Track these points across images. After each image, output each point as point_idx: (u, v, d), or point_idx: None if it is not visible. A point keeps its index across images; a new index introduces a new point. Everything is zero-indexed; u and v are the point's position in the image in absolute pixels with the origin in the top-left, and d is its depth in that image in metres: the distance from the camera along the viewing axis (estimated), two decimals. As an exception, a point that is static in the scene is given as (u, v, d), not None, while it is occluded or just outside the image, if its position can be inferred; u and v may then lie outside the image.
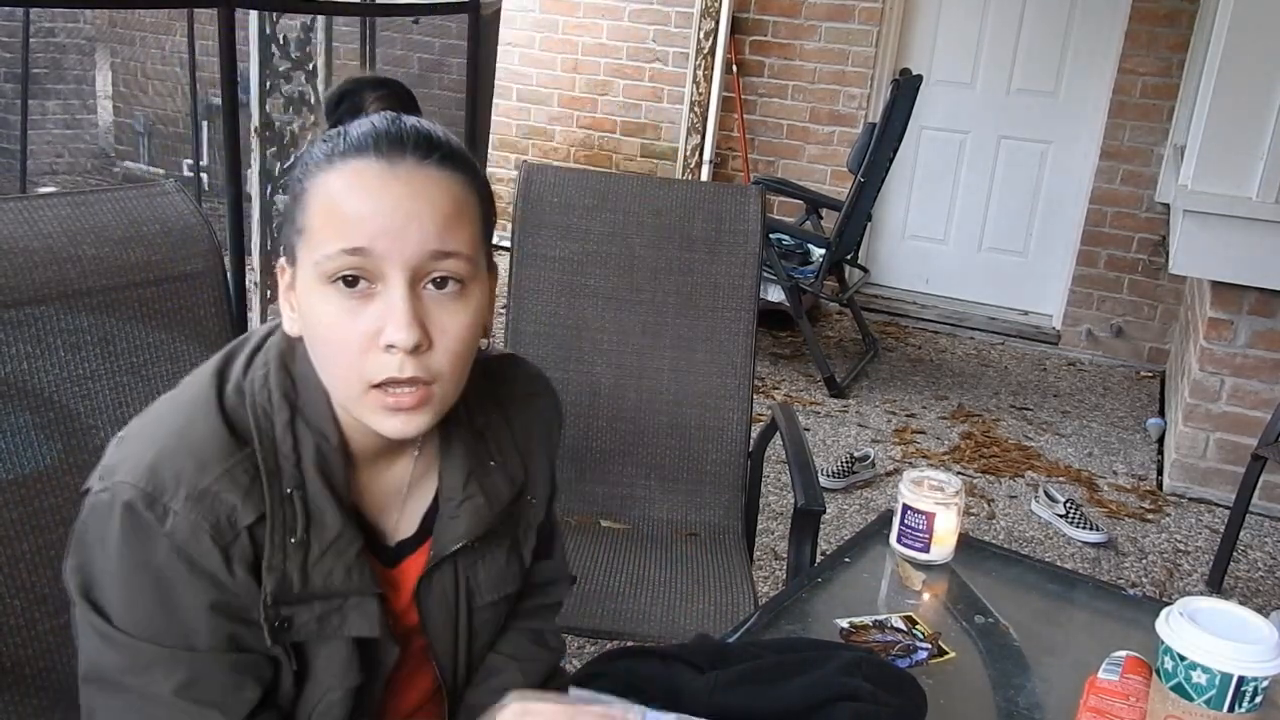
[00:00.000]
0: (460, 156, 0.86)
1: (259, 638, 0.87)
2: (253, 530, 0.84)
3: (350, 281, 0.81)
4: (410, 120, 0.86)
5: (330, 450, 0.89)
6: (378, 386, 0.82)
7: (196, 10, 4.68)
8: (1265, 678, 0.95)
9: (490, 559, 1.01)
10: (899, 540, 1.39)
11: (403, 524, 0.98)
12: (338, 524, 0.88)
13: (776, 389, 4.07)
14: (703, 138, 5.14)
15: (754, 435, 2.10)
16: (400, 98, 0.91)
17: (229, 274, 1.39)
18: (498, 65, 4.26)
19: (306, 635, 0.88)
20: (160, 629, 0.83)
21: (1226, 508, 3.05)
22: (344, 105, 0.89)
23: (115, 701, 0.85)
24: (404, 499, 0.97)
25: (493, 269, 0.92)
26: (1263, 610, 2.52)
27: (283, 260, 0.88)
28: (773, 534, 2.92)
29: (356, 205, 0.81)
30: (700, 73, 5.07)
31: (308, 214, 0.83)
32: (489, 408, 1.01)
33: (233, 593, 0.84)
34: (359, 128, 0.84)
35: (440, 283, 0.83)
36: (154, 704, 0.83)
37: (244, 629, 0.86)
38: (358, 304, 0.82)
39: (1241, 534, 2.86)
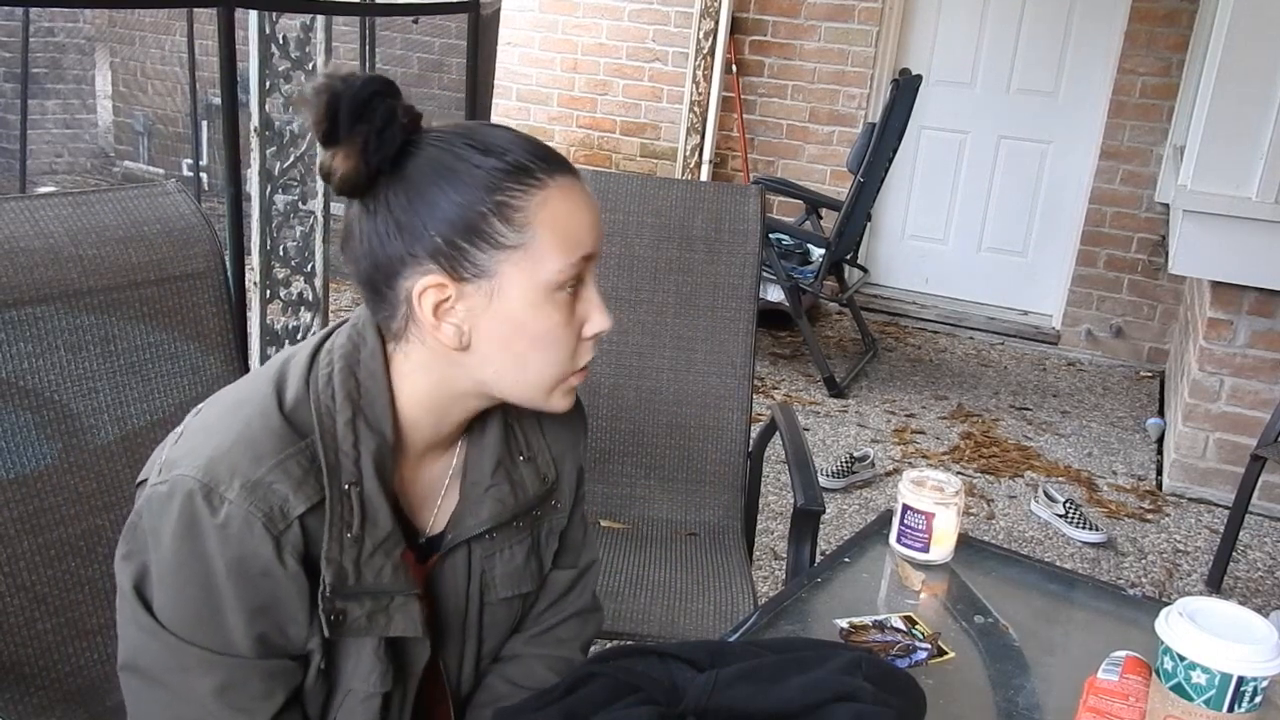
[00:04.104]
0: None
1: (296, 641, 0.88)
2: (304, 521, 0.86)
3: (562, 286, 0.91)
4: None
5: (387, 451, 0.92)
6: (576, 371, 0.95)
7: (196, 10, 4.68)
8: (1265, 678, 0.95)
9: (509, 554, 1.03)
10: (898, 540, 1.39)
11: (437, 520, 1.00)
12: (389, 523, 0.91)
13: (776, 389, 4.07)
14: (702, 137, 5.14)
15: (753, 435, 2.10)
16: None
17: (229, 274, 1.40)
18: (497, 65, 4.26)
19: (356, 631, 0.90)
20: (203, 629, 0.85)
21: (1226, 508, 3.06)
22: (379, 108, 0.84)
23: (151, 694, 0.88)
24: (441, 494, 1.00)
25: None
26: (1262, 610, 2.52)
27: (444, 279, 0.87)
28: (772, 534, 2.92)
29: (582, 217, 0.91)
30: (700, 72, 5.07)
31: (527, 232, 0.87)
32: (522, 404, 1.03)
33: (279, 589, 0.86)
34: (518, 143, 0.89)
35: None
36: (188, 703, 0.87)
37: (282, 634, 0.88)
38: (568, 304, 0.92)
39: (1241, 534, 2.86)
